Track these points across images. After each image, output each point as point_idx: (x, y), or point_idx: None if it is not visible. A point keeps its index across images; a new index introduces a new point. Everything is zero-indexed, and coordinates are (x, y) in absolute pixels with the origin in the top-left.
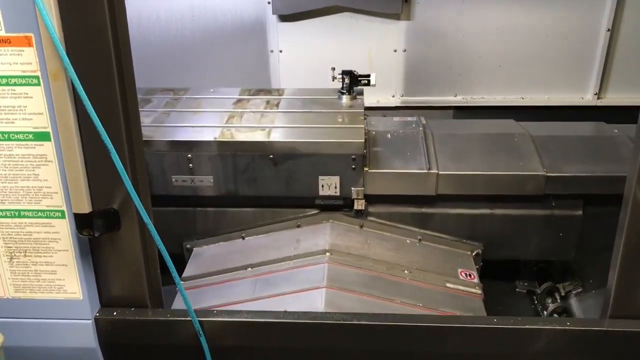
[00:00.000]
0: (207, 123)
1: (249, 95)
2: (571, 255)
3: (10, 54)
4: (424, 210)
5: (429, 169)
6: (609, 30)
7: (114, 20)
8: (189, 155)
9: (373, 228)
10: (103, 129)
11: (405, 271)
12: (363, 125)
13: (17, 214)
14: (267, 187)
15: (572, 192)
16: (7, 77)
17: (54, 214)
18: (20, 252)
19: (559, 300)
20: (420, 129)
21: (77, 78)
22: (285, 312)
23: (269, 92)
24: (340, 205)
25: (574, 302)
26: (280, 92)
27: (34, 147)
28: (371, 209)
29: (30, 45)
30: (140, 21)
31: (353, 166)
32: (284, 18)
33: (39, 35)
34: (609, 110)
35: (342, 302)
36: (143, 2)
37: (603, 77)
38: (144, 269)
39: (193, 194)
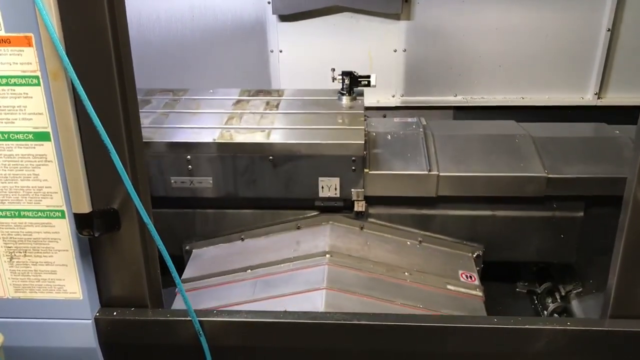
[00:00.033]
0: (207, 124)
1: (249, 96)
2: (572, 257)
3: (10, 54)
4: (424, 211)
5: (430, 170)
6: (609, 30)
7: (114, 20)
8: (188, 157)
9: (373, 230)
10: (103, 129)
11: (406, 273)
12: (363, 127)
13: (17, 214)
14: (266, 188)
15: (573, 193)
16: (7, 77)
17: (54, 214)
18: (20, 252)
19: (559, 300)
20: (421, 130)
21: (77, 78)
22: (286, 312)
23: (268, 93)
24: (340, 207)
25: (574, 302)
26: (280, 93)
27: (34, 147)
28: (371, 211)
29: (30, 45)
30: (140, 21)
31: (353, 167)
32: (284, 18)
33: (38, 35)
34: (609, 110)
35: (342, 304)
36: (143, 2)
37: (603, 77)
38: (144, 269)
39: (192, 196)
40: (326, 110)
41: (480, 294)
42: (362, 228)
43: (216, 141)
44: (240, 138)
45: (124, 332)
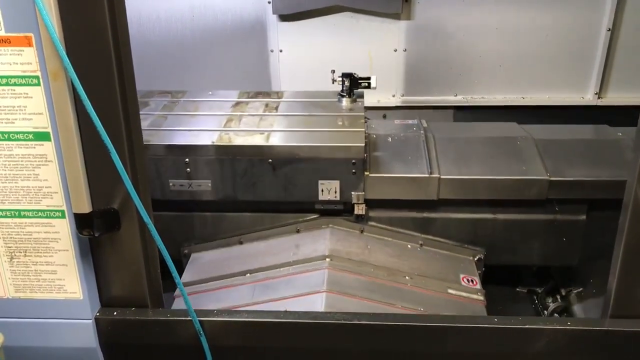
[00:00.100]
0: (205, 127)
1: (248, 98)
2: (574, 260)
3: (10, 54)
4: (425, 215)
5: (431, 173)
6: (609, 29)
7: (114, 20)
8: (187, 160)
9: (374, 233)
10: (103, 129)
11: (407, 277)
12: (363, 129)
13: (17, 214)
14: (266, 191)
15: (575, 196)
16: (7, 77)
17: (54, 214)
18: (21, 252)
19: (559, 300)
20: (422, 132)
21: (77, 78)
22: (286, 312)
23: (267, 94)
24: (340, 210)
25: (574, 302)
26: (279, 94)
27: (34, 147)
28: (372, 214)
29: (30, 45)
30: (140, 21)
31: (353, 170)
32: (284, 18)
33: (39, 35)
34: (610, 110)
35: (343, 306)
36: (143, 2)
37: (603, 76)
38: (144, 269)
39: (191, 199)
40: (326, 112)
41: (482, 298)
42: (362, 231)
43: (215, 144)
44: (239, 141)
45: (124, 332)
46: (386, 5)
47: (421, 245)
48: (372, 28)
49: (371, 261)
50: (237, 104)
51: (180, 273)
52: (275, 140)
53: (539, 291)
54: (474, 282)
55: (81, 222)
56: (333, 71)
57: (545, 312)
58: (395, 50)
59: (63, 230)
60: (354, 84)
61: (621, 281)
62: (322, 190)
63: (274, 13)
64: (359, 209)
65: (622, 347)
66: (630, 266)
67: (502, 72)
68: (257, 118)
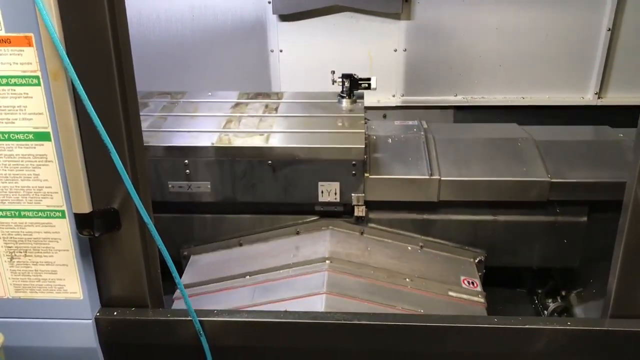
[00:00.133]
0: (205, 128)
1: (248, 98)
2: (576, 262)
3: (10, 54)
4: (425, 216)
5: (431, 174)
6: (609, 29)
7: (114, 20)
8: (186, 161)
9: (374, 235)
10: (103, 129)
11: (407, 279)
12: (363, 130)
13: (17, 214)
14: (265, 193)
15: (576, 198)
16: (7, 77)
17: (54, 214)
18: (21, 252)
19: (559, 300)
20: (422, 133)
21: (77, 78)
22: (286, 312)
23: (267, 95)
24: (340, 212)
25: (574, 302)
26: (279, 95)
27: (34, 147)
28: (372, 216)
29: (30, 45)
30: (140, 21)
31: (353, 172)
32: (284, 18)
33: (39, 35)
34: (610, 110)
35: (343, 308)
36: (143, 2)
37: (604, 76)
38: (144, 269)
39: (190, 200)
40: (326, 113)
41: (482, 300)
42: (362, 233)
43: (214, 145)
44: (239, 142)
45: (124, 332)
46: (386, 5)
47: (421, 247)
48: (372, 28)
49: (371, 263)
50: (237, 105)
51: (180, 275)
52: (275, 141)
53: (539, 291)
54: (475, 285)
55: (81, 222)
56: (333, 72)
57: (545, 312)
58: (395, 50)
59: (63, 230)
60: (354, 85)
61: (621, 281)
62: (322, 192)
63: (274, 13)
64: (359, 211)
65: (622, 347)
66: (630, 266)
67: (502, 72)
68: (257, 119)
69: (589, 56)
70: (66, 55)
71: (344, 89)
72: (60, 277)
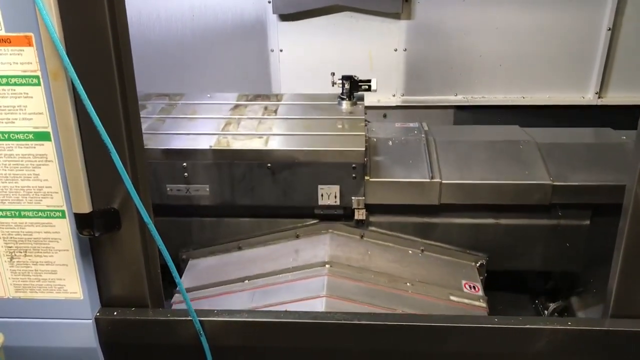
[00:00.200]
0: (203, 130)
1: (247, 100)
2: (578, 266)
3: (10, 54)
4: (426, 220)
5: (432, 177)
6: (609, 29)
7: (114, 20)
8: (184, 164)
9: (374, 238)
10: (103, 128)
11: (408, 283)
12: (364, 133)
13: (17, 213)
14: (264, 196)
15: (579, 201)
16: (7, 77)
17: (54, 214)
18: (21, 252)
19: (559, 300)
20: (423, 135)
21: (77, 78)
22: (286, 312)
23: (267, 97)
24: (340, 215)
25: (574, 302)
26: (278, 97)
27: (34, 147)
28: (372, 219)
29: (30, 45)
30: (140, 20)
31: (353, 175)
32: (284, 17)
33: (39, 35)
34: (610, 110)
35: (343, 310)
36: (143, 1)
37: (604, 76)
38: (144, 269)
39: (188, 204)
40: (326, 115)
41: (484, 304)
42: (362, 237)
43: (213, 148)
44: (238, 145)
45: (124, 332)
46: (386, 5)
47: (422, 250)
48: (372, 28)
49: (371, 267)
50: (236, 106)
51: None
52: (274, 144)
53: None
54: (476, 289)
55: (81, 222)
56: (333, 74)
57: (546, 312)
58: (396, 50)
59: (63, 230)
60: (354, 86)
61: (622, 281)
62: (322, 195)
63: (274, 13)
64: (359, 214)
65: (622, 347)
66: (630, 266)
67: (502, 72)
68: (256, 121)
69: (589, 56)
70: (66, 55)
71: (344, 91)
72: (60, 277)
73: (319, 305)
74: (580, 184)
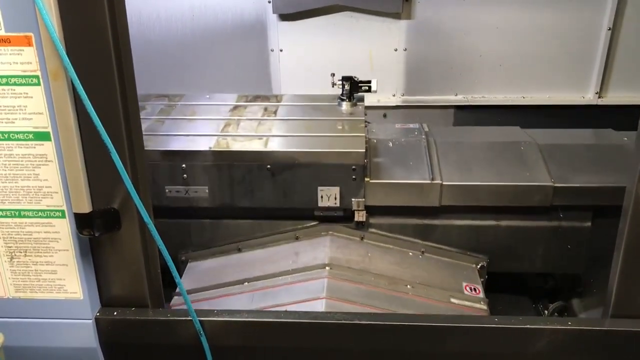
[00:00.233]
0: (202, 131)
1: (246, 101)
2: (580, 268)
3: (10, 54)
4: (427, 221)
5: (432, 179)
6: (610, 29)
7: (114, 20)
8: (183, 165)
9: (374, 240)
10: (103, 128)
11: (408, 286)
12: (364, 134)
13: (17, 213)
14: (264, 198)
15: (580, 203)
16: (7, 76)
17: (54, 214)
18: (21, 252)
19: (559, 300)
20: (423, 137)
21: (77, 78)
22: (286, 312)
23: (266, 98)
24: (340, 217)
25: (576, 303)
26: (278, 98)
27: (34, 147)
28: (372, 221)
29: (30, 45)
30: (140, 20)
31: (353, 176)
32: (284, 17)
33: (38, 35)
34: (610, 109)
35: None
36: (143, 1)
37: (604, 76)
38: (145, 269)
39: (188, 205)
40: (326, 116)
41: (485, 307)
42: (362, 238)
43: (212, 149)
44: (237, 146)
45: (124, 332)
46: (387, 5)
47: (423, 252)
48: (372, 27)
49: (372, 269)
50: (235, 107)
51: None
52: (274, 145)
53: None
54: (477, 291)
55: (81, 222)
56: (333, 74)
57: (546, 312)
58: (396, 50)
59: (63, 230)
60: (354, 87)
61: (622, 281)
62: (322, 197)
63: (274, 12)
64: (360, 216)
65: (622, 347)
66: (630, 266)
67: (502, 72)
68: (256, 122)
69: (589, 55)
70: (66, 55)
71: (344, 92)
72: (60, 277)
73: (319, 307)
74: (581, 186)
